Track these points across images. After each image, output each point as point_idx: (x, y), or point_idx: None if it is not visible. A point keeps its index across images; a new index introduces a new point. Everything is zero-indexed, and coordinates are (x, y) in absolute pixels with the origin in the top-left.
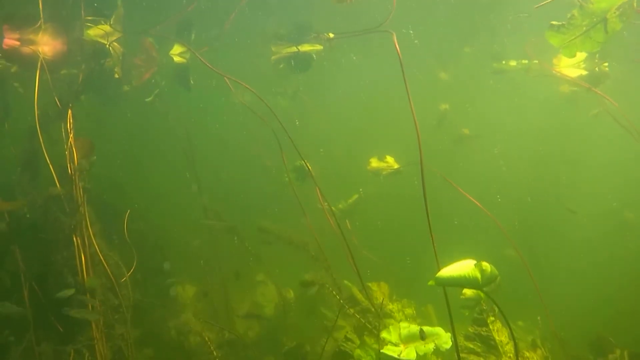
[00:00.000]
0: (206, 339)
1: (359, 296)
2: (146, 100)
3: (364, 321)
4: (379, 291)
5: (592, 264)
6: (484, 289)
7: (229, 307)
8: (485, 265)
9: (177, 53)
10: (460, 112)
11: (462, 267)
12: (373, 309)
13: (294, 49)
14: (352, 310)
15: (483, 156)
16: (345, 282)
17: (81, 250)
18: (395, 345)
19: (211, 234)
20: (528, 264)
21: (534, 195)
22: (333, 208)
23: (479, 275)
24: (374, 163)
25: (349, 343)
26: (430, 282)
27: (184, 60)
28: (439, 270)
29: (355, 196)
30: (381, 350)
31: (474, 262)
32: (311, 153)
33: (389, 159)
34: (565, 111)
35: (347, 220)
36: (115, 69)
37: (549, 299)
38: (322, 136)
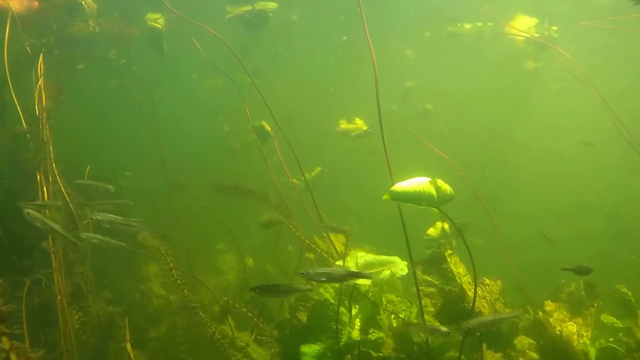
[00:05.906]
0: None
1: (320, 243)
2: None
3: (324, 254)
4: (336, 240)
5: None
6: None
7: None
8: (441, 182)
9: (152, 19)
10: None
11: (418, 183)
12: (335, 254)
13: (249, 7)
14: (313, 255)
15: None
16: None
17: (44, 187)
18: None
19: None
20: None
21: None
22: (296, 181)
23: (434, 192)
24: (343, 125)
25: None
26: (385, 196)
27: (159, 26)
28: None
29: (319, 169)
30: None
31: (429, 178)
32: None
33: (358, 121)
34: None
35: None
36: (90, 22)
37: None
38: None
